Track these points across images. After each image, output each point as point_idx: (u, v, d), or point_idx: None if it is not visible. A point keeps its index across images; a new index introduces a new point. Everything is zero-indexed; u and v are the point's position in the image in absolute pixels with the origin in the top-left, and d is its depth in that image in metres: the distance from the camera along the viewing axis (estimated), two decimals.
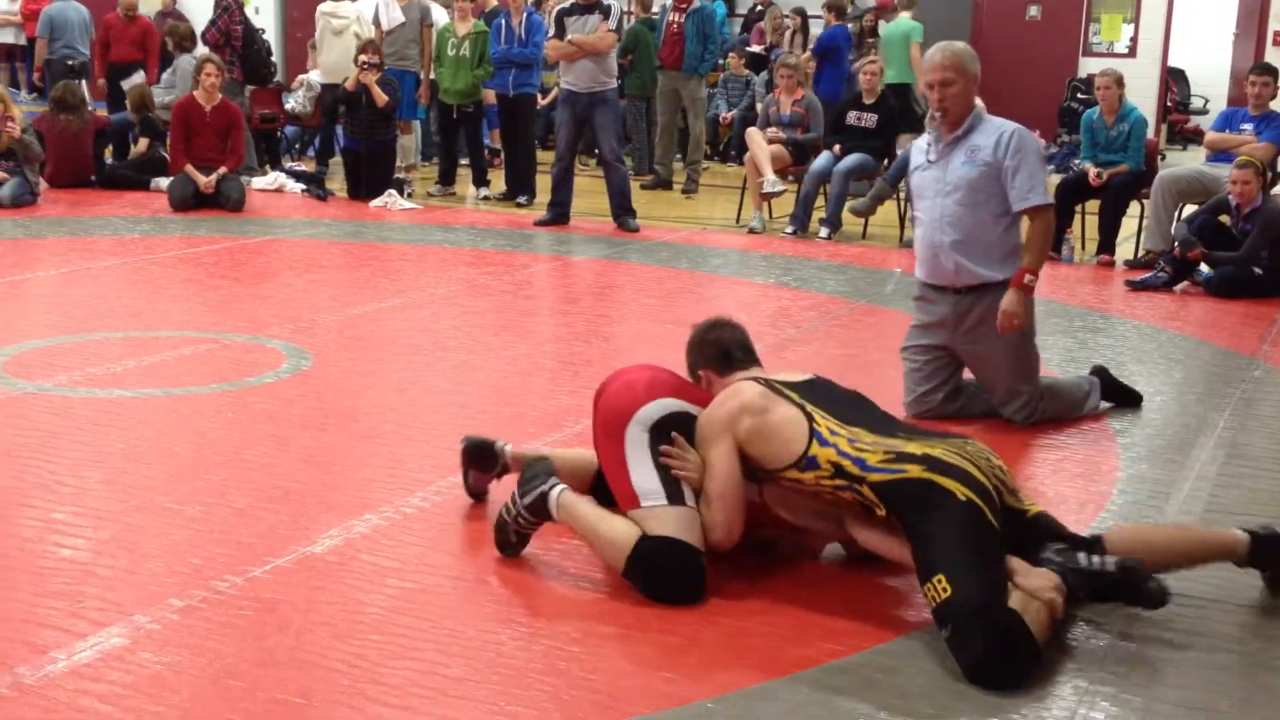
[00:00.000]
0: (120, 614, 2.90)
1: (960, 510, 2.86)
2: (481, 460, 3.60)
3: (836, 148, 8.85)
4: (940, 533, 2.84)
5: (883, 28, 12.48)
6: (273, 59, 11.49)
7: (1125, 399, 4.88)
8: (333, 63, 10.61)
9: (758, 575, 3.21)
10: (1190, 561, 3.12)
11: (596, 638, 2.87)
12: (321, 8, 10.83)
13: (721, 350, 3.35)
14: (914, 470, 2.94)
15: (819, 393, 3.20)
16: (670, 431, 3.15)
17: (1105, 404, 4.83)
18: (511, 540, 3.26)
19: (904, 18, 12.22)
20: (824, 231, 8.76)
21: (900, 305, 6.71)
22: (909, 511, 2.92)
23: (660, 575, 3.03)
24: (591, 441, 3.36)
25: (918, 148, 4.73)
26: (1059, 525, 3.11)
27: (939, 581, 2.77)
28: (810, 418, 3.08)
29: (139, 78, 11.24)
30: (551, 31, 8.84)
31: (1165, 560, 3.05)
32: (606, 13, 8.64)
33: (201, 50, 10.62)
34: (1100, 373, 4.91)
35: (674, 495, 3.09)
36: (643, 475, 3.12)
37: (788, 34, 13.86)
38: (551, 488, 3.19)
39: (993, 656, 2.68)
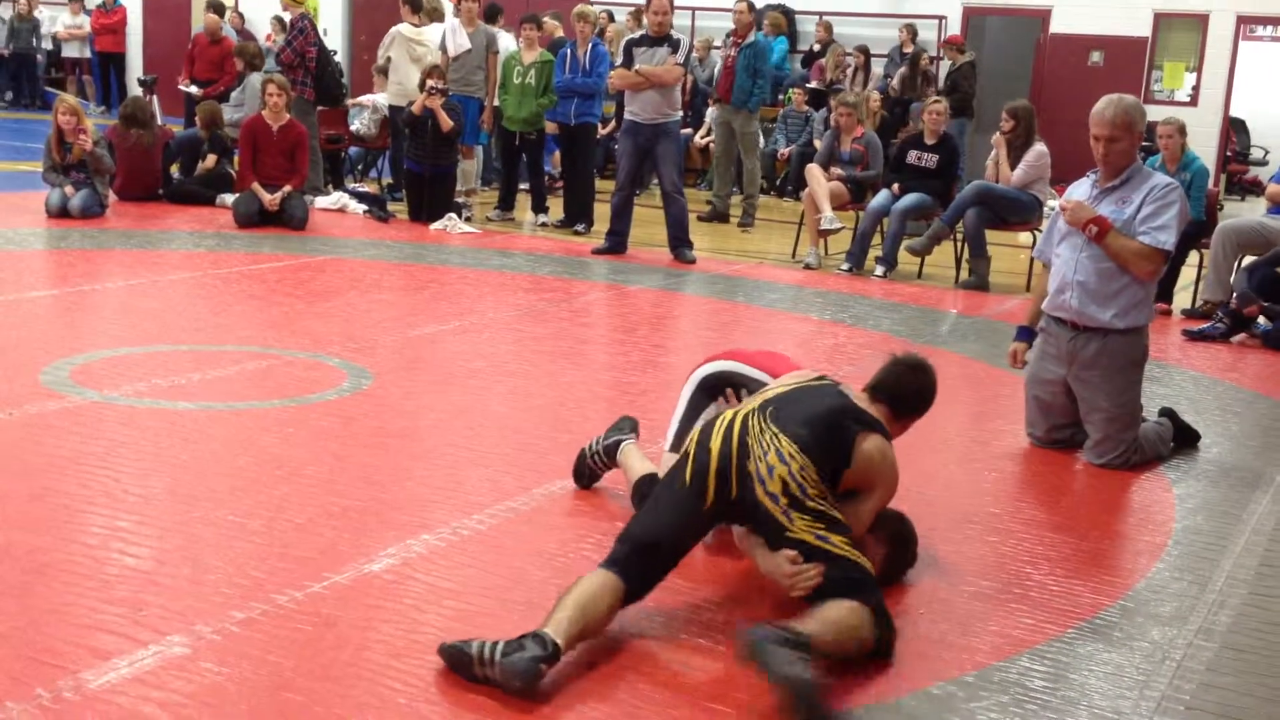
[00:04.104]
0: (182, 623, 2.96)
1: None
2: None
3: (895, 186, 8.86)
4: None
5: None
6: (344, 81, 11.62)
7: (1186, 439, 4.96)
8: (411, 87, 10.60)
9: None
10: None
11: (650, 663, 2.90)
12: (403, 30, 10.90)
13: (898, 394, 3.49)
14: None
15: None
16: (712, 390, 3.77)
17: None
18: (584, 473, 4.02)
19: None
20: (880, 270, 8.77)
21: (957, 347, 6.71)
22: None
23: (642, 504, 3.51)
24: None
25: (1080, 186, 4.83)
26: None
27: None
28: None
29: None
30: (619, 61, 8.93)
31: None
32: (675, 46, 8.73)
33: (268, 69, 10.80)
34: (1169, 414, 5.00)
35: (674, 445, 3.74)
36: (672, 423, 3.84)
37: (849, 71, 13.91)
38: (627, 439, 3.93)
39: None
